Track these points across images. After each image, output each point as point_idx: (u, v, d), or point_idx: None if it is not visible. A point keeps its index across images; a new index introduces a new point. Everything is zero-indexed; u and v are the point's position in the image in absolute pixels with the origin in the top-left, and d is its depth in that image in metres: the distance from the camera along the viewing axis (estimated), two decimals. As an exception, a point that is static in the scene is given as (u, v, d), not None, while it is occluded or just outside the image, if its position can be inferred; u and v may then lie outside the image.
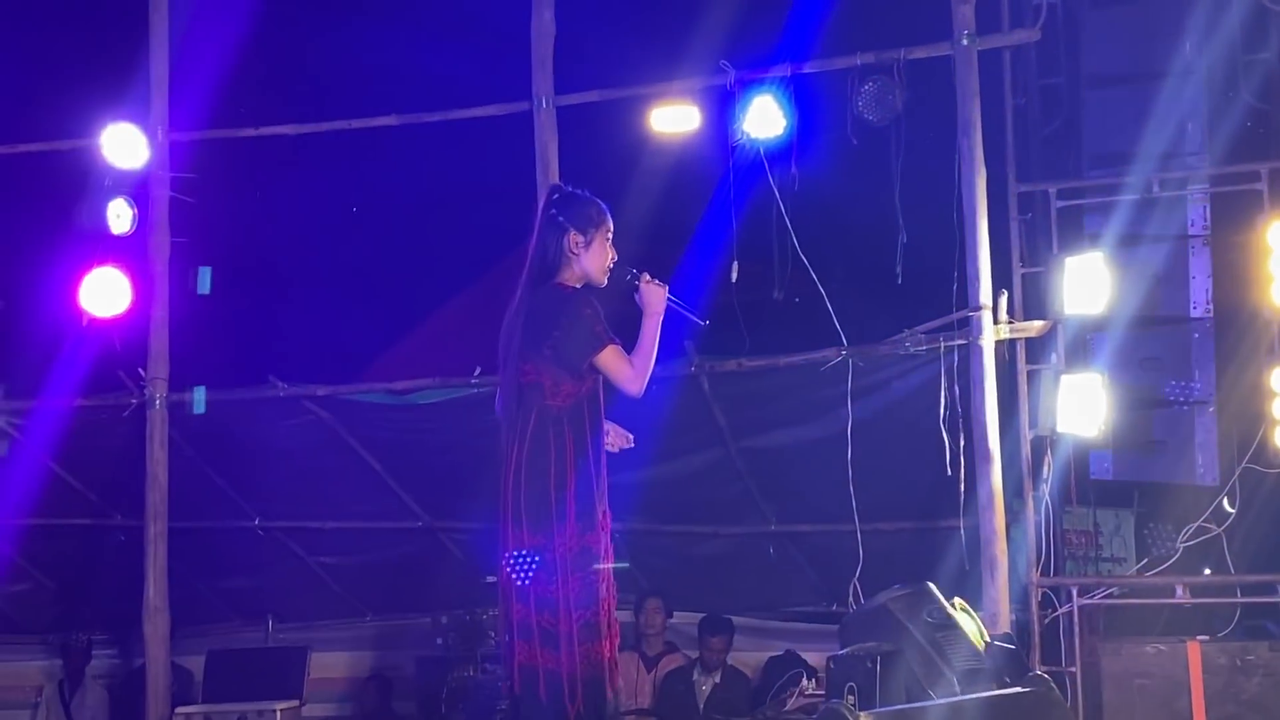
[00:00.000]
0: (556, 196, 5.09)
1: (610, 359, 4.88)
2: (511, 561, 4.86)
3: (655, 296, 5.00)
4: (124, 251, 8.53)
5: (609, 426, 5.14)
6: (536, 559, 4.84)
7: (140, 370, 8.56)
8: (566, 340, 4.86)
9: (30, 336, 8.78)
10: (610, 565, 4.95)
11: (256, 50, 8.48)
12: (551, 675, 4.81)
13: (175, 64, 8.63)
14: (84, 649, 9.86)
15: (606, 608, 4.93)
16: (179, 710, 8.40)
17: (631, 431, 5.27)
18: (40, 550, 9.83)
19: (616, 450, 5.18)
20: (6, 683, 10.28)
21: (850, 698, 5.64)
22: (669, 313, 5.08)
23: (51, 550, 9.84)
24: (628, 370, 4.89)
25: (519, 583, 4.85)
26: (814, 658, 8.36)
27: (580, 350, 4.86)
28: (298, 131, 8.64)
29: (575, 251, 4.99)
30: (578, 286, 4.99)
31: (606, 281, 5.07)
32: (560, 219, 5.00)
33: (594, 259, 5.01)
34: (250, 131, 8.72)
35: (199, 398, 8.54)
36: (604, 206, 5.11)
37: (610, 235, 5.07)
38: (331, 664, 9.87)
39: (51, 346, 8.73)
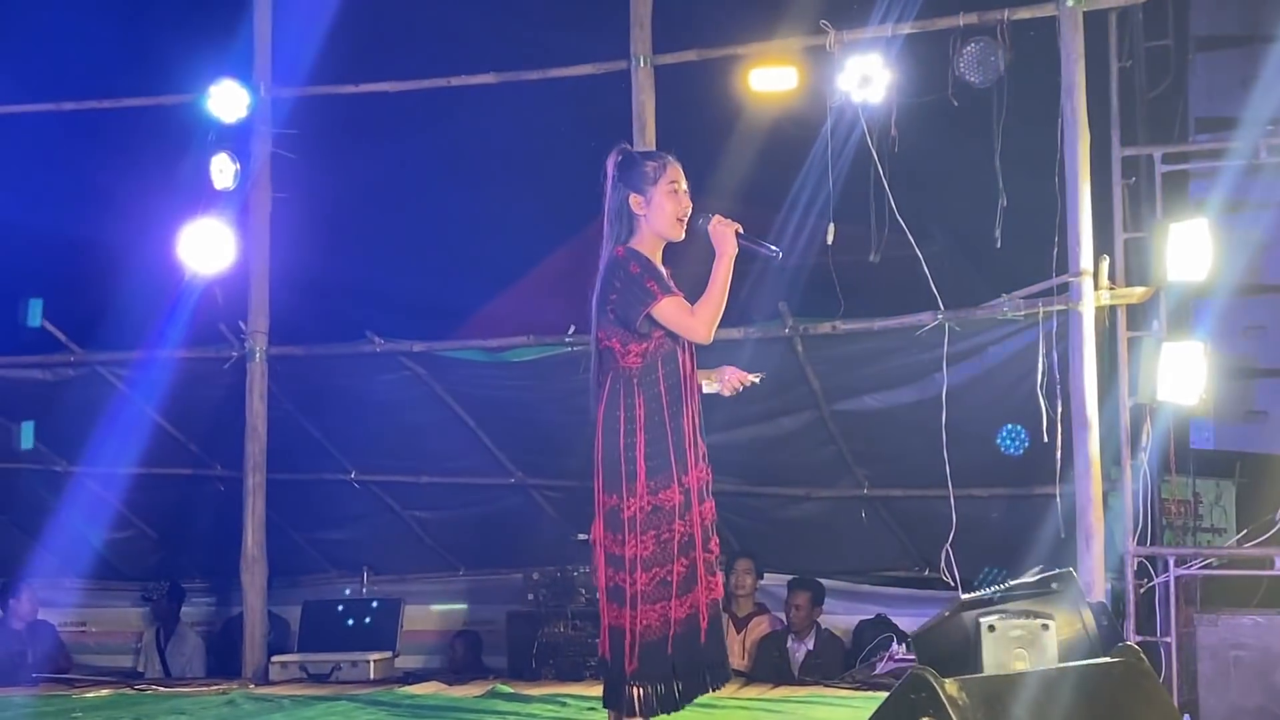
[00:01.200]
0: (619, 159, 5.00)
1: (667, 310, 4.85)
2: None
3: (722, 236, 4.90)
4: (227, 206, 8.65)
5: (727, 371, 5.12)
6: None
7: (241, 324, 8.69)
8: (622, 301, 4.86)
9: (135, 289, 8.91)
10: (703, 520, 4.92)
11: (358, 7, 8.52)
12: (617, 633, 4.84)
13: (279, 20, 8.72)
14: (165, 598, 10.02)
15: (689, 563, 4.88)
16: (275, 658, 8.55)
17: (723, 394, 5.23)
18: (142, 499, 10.02)
19: (737, 391, 5.14)
20: (110, 628, 10.53)
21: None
22: (759, 268, 5.02)
23: (153, 499, 10.02)
24: (688, 319, 4.86)
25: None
26: (905, 622, 8.34)
27: (634, 308, 4.84)
28: (397, 89, 8.71)
29: (640, 212, 4.94)
30: (631, 248, 4.94)
31: (684, 234, 5.00)
32: (620, 183, 4.95)
33: (660, 215, 4.94)
34: (351, 88, 8.79)
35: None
36: (664, 159, 5.00)
37: (676, 186, 4.95)
38: (424, 616, 10.00)
39: (155, 299, 8.87)
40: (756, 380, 5.21)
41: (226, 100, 8.58)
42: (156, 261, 8.75)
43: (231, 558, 8.70)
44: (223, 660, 9.51)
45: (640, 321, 4.85)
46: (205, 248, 8.61)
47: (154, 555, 10.47)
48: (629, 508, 4.83)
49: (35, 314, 8.82)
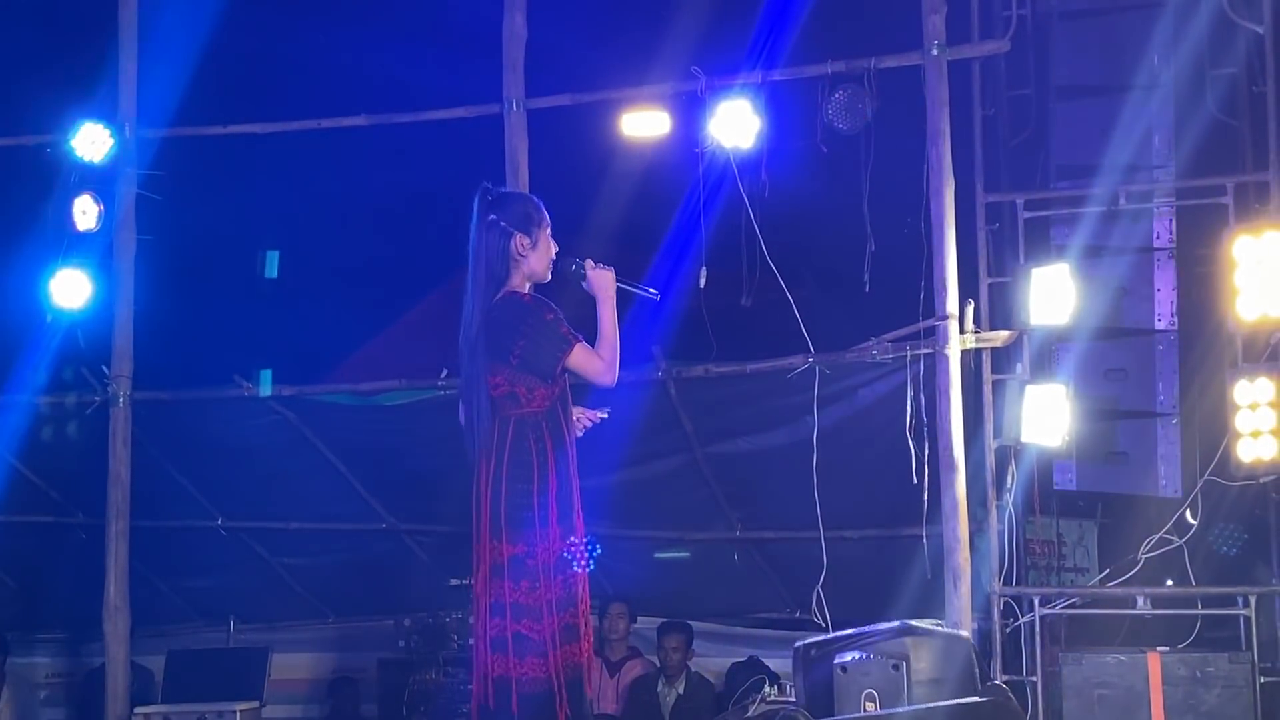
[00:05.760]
0: (491, 199, 4.98)
1: (580, 357, 4.86)
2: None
3: (603, 281, 4.94)
4: (90, 248, 8.49)
5: (576, 412, 5.11)
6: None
7: (104, 368, 8.52)
8: (534, 349, 4.84)
9: (-6, 332, 8.73)
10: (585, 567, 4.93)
11: (226, 48, 8.43)
12: (528, 684, 4.78)
13: (144, 60, 8.60)
14: None
15: (583, 609, 4.91)
16: (138, 710, 8.36)
17: (598, 437, 5.25)
18: (1, 547, 9.75)
19: (588, 427, 5.13)
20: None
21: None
22: (634, 312, 5.06)
23: (12, 548, 9.76)
24: (598, 364, 4.87)
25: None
26: (777, 664, 8.36)
27: (551, 356, 4.84)
28: (266, 130, 8.62)
29: (522, 254, 4.94)
30: (528, 291, 4.95)
31: (551, 276, 5.02)
32: (501, 223, 4.92)
33: (542, 258, 4.98)
34: (218, 129, 8.69)
35: None
36: (539, 202, 5.06)
37: (549, 229, 5.02)
38: (293, 665, 9.83)
39: (15, 343, 8.68)
40: (604, 416, 5.20)
41: (90, 141, 8.44)
42: (16, 305, 8.57)
43: (94, 607, 8.50)
44: (84, 712, 9.27)
45: (559, 369, 4.84)
46: (67, 290, 8.44)
47: (13, 605, 10.19)
48: (540, 555, 4.79)
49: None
